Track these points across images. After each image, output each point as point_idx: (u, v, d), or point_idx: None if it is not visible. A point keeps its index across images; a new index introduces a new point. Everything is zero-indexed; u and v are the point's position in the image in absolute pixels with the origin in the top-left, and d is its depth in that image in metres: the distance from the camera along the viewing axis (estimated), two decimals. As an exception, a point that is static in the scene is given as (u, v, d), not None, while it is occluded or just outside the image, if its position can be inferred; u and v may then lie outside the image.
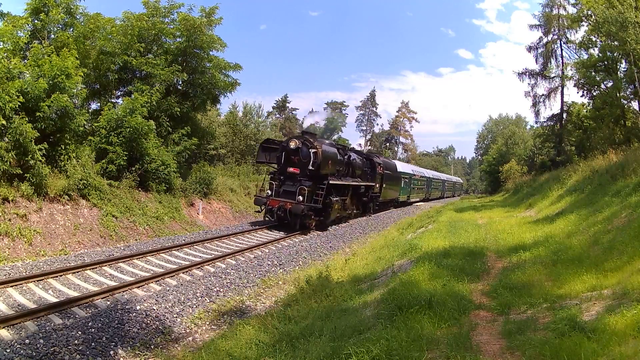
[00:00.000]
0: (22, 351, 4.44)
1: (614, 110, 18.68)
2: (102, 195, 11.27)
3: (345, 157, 16.32)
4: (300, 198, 13.01)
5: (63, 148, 10.95)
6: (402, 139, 65.91)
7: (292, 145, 13.56)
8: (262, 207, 13.71)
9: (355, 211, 18.49)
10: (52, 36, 14.06)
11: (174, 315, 6.10)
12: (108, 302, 6.21)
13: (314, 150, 13.32)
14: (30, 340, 4.67)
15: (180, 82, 17.12)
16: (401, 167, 28.82)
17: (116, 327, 5.38)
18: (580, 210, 10.60)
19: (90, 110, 15.32)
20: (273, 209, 13.17)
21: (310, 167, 13.22)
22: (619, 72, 18.76)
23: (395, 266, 8.00)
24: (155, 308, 6.10)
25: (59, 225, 9.66)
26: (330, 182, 13.74)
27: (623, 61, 18.39)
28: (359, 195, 18.43)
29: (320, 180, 13.52)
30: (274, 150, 14.68)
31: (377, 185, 20.60)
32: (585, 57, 21.07)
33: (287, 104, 60.54)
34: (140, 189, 13.15)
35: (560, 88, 26.64)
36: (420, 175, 34.97)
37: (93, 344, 4.92)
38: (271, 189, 13.85)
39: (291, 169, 13.66)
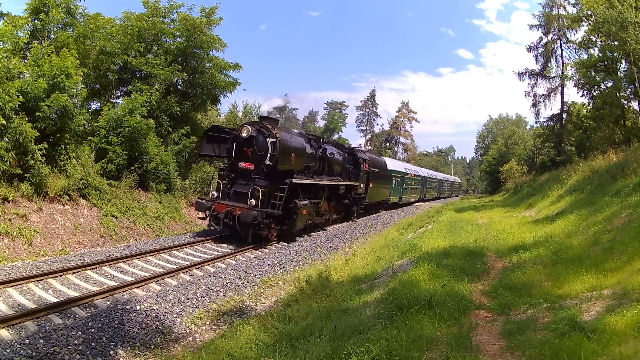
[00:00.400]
0: (22, 351, 4.44)
1: (614, 110, 18.70)
2: (102, 195, 11.27)
3: (319, 150, 13.69)
4: (253, 202, 10.24)
5: (63, 148, 10.96)
6: (402, 139, 65.99)
7: (244, 133, 10.80)
8: (207, 213, 10.82)
9: (334, 216, 15.90)
10: (52, 36, 14.06)
11: (174, 315, 6.09)
12: (108, 302, 6.21)
13: (272, 139, 10.67)
14: (30, 340, 4.67)
15: (180, 82, 17.13)
16: (392, 164, 26.48)
17: (116, 327, 5.38)
18: (580, 210, 10.61)
19: (90, 110, 15.32)
20: (219, 216, 10.43)
21: (267, 162, 10.61)
22: (619, 72, 18.79)
23: (395, 266, 8.00)
24: (155, 308, 6.10)
25: (59, 225, 9.66)
26: (295, 180, 11.10)
27: (623, 61, 18.42)
28: (339, 197, 15.63)
29: (281, 178, 10.85)
30: (224, 140, 11.71)
31: (362, 185, 17.88)
32: (585, 57, 21.12)
33: (287, 104, 60.49)
34: (140, 188, 13.15)
35: (560, 88, 26.69)
36: (414, 174, 32.76)
37: (93, 344, 4.91)
38: (218, 190, 11.19)
39: (243, 164, 10.95)
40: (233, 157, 11.18)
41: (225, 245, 10.69)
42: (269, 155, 10.66)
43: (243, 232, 10.38)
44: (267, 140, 10.74)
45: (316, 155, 13.36)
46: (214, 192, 11.20)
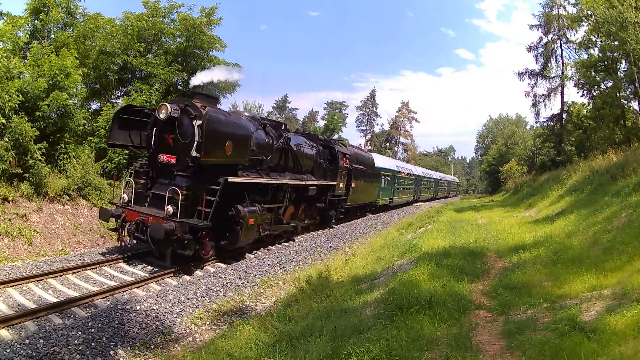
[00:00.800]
0: (22, 351, 4.44)
1: (614, 110, 18.73)
2: (102, 195, 11.28)
3: (280, 140, 10.82)
4: (170, 209, 7.54)
5: (63, 147, 10.98)
6: (402, 139, 65.97)
7: (163, 114, 8.00)
8: (118, 222, 8.23)
9: (305, 223, 13.19)
10: (52, 36, 14.08)
11: (174, 315, 6.09)
12: (108, 302, 6.21)
13: (200, 122, 7.89)
14: (30, 340, 4.67)
15: (180, 82, 17.14)
16: (381, 161, 23.83)
17: (116, 327, 5.38)
18: (580, 210, 10.61)
19: (90, 110, 15.34)
20: (130, 227, 7.91)
21: (194, 153, 7.91)
22: (619, 72, 18.83)
23: (395, 266, 8.00)
24: (155, 308, 6.09)
25: (59, 225, 9.67)
26: (232, 179, 8.24)
27: (623, 61, 18.47)
28: (310, 199, 12.87)
29: (213, 176, 8.02)
30: (144, 125, 8.92)
31: (342, 185, 15.05)
32: (585, 57, 21.19)
33: (287, 104, 60.67)
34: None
35: (560, 88, 26.71)
36: (407, 173, 29.63)
37: (93, 344, 4.91)
38: (132, 192, 8.46)
39: (164, 157, 8.22)
40: (153, 147, 8.43)
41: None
42: (195, 143, 7.94)
43: (158, 251, 7.95)
44: (195, 123, 7.97)
45: (273, 146, 10.41)
46: (125, 195, 8.50)
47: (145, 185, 8.57)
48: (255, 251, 10.31)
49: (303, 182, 11.84)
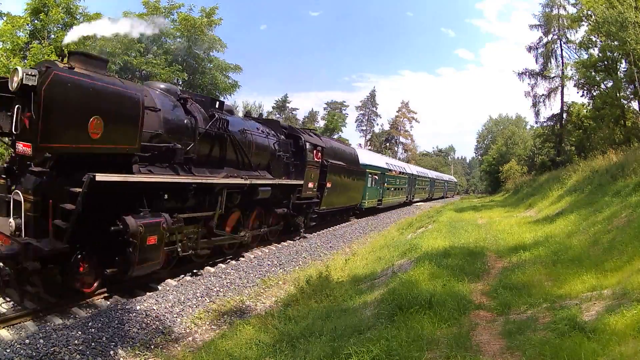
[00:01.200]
0: (22, 351, 4.43)
1: (614, 110, 18.77)
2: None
3: (211, 123, 7.90)
4: (13, 224, 5.30)
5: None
6: (402, 139, 66.05)
7: (14, 82, 5.10)
8: None
9: (264, 230, 10.41)
10: (52, 36, 14.10)
11: (174, 315, 6.09)
12: (108, 302, 6.21)
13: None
14: (30, 340, 4.67)
15: (181, 82, 17.17)
16: (367, 157, 20.96)
17: (116, 327, 5.37)
18: (580, 210, 10.62)
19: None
20: None
21: None
22: (619, 72, 18.87)
23: (395, 266, 8.01)
24: (155, 308, 6.09)
25: (59, 225, 9.65)
26: (101, 177, 5.33)
27: (623, 61, 18.52)
28: (265, 204, 10.03)
29: (80, 172, 5.37)
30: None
31: (313, 185, 12.23)
32: (585, 57, 21.25)
33: (287, 104, 60.65)
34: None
35: (560, 88, 26.80)
36: (398, 172, 26.62)
37: (93, 344, 4.91)
38: None
39: (20, 146, 5.41)
40: (14, 132, 5.41)
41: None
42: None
43: (4, 282, 5.35)
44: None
45: (197, 130, 7.55)
46: None
47: (5, 186, 6.03)
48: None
49: (247, 182, 8.66)
